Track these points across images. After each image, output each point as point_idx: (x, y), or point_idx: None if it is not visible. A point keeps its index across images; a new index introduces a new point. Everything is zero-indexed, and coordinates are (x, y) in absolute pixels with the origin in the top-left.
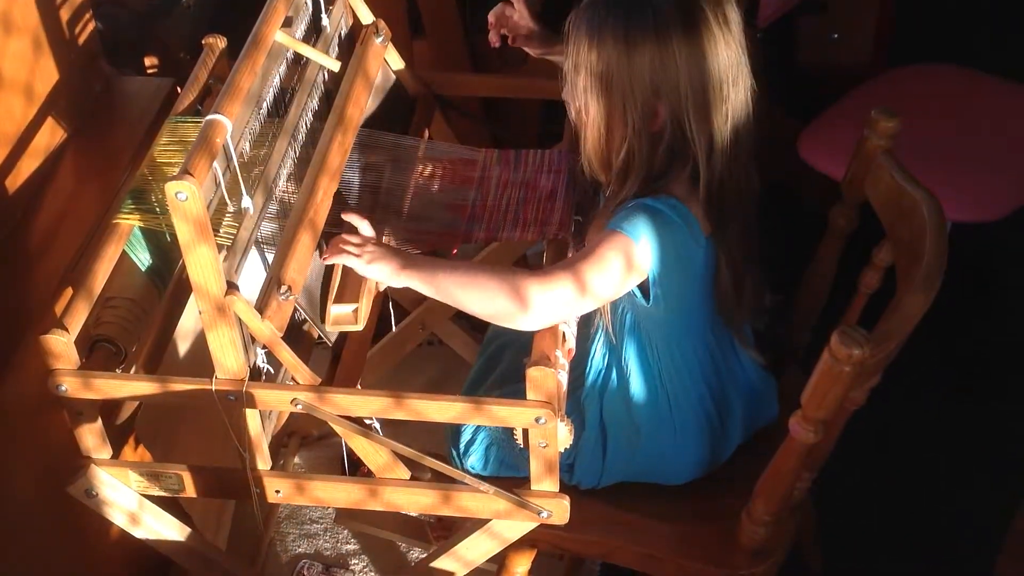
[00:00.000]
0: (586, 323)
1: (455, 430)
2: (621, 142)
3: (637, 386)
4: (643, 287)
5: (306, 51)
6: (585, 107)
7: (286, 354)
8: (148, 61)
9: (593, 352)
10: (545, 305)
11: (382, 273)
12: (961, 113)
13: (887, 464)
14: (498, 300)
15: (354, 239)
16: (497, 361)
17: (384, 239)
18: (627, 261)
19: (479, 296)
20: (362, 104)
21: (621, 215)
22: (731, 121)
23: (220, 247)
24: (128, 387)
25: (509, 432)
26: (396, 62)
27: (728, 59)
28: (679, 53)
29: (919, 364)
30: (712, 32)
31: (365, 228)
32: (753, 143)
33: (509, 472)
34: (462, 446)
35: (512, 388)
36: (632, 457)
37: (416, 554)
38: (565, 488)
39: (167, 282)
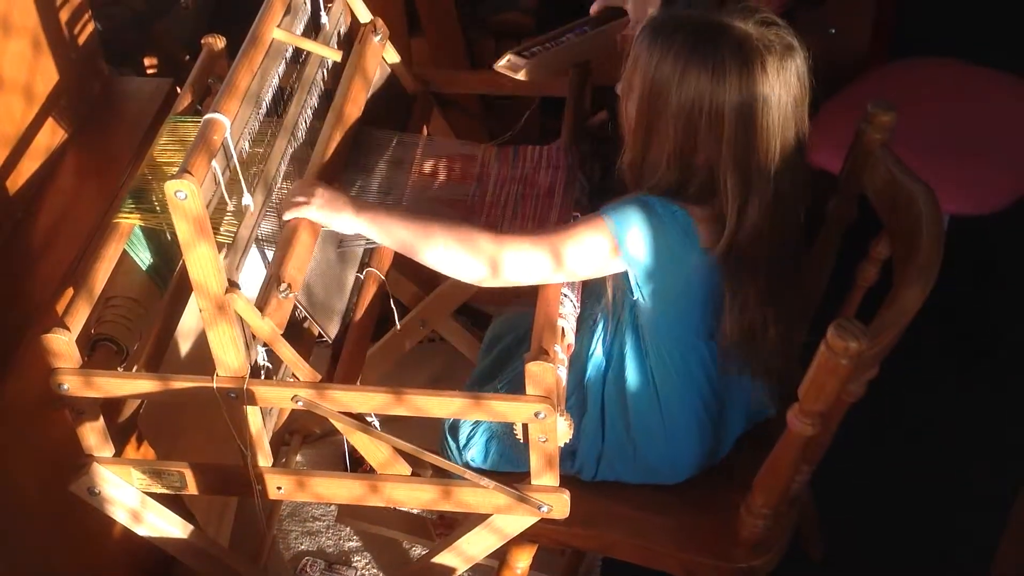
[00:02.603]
0: (591, 300)
1: (453, 423)
2: (655, 162)
3: (633, 377)
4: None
5: (305, 44)
6: (633, 118)
7: (287, 351)
8: (147, 61)
9: (595, 335)
10: (515, 269)
11: (339, 219)
12: (959, 106)
13: (887, 454)
14: (461, 259)
15: (302, 190)
16: (500, 359)
17: None
18: (604, 246)
19: (442, 253)
20: (360, 102)
21: (615, 204)
22: (775, 177)
23: (220, 245)
24: (129, 385)
25: (509, 426)
26: (394, 60)
27: (780, 117)
28: (729, 96)
29: (918, 356)
30: (767, 90)
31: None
32: (805, 193)
33: (509, 466)
34: (462, 439)
35: (509, 370)
36: (624, 455)
37: (418, 551)
38: (566, 480)
39: (168, 281)
